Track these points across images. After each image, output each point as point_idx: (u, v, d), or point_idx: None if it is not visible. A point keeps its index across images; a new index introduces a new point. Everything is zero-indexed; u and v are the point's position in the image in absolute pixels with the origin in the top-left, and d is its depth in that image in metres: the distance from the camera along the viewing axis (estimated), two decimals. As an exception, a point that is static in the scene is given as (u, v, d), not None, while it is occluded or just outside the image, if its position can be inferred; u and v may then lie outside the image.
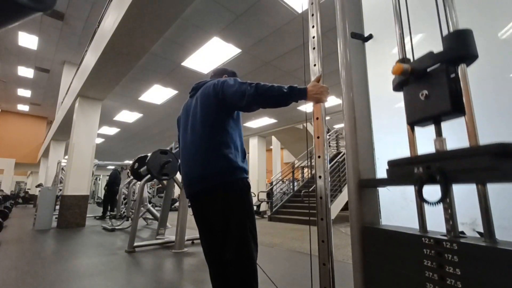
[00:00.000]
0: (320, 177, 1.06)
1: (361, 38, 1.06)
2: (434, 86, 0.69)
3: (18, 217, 7.95)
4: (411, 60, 0.81)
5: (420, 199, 0.66)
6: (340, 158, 7.12)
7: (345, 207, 6.14)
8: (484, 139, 0.64)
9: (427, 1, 0.81)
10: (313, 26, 1.18)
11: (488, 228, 0.58)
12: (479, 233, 0.70)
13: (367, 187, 0.92)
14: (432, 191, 0.68)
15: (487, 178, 0.56)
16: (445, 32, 0.71)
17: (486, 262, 0.53)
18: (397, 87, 0.80)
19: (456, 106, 0.64)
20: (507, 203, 0.73)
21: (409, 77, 0.75)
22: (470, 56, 0.65)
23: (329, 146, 9.50)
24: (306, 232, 4.89)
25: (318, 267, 1.01)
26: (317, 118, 1.12)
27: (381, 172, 0.99)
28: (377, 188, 0.96)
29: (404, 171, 0.71)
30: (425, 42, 0.98)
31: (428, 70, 0.70)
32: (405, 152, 0.80)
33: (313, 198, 1.09)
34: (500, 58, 0.85)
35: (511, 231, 0.66)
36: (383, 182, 0.84)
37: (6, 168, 14.46)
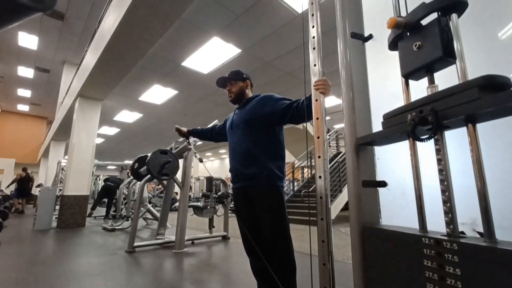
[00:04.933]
0: (320, 177, 1.06)
1: (361, 38, 1.06)
2: (427, 36, 0.71)
3: (18, 217, 7.95)
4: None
5: (413, 138, 0.69)
6: (340, 158, 7.12)
7: (345, 207, 6.14)
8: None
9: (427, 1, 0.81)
10: (313, 26, 1.18)
11: (488, 228, 0.58)
12: (479, 233, 0.70)
13: (364, 144, 0.92)
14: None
15: (475, 110, 0.56)
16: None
17: (486, 262, 0.53)
18: (392, 44, 0.82)
19: (447, 52, 0.66)
20: (507, 203, 0.73)
21: (404, 32, 0.78)
22: (460, 4, 0.67)
23: (329, 146, 9.50)
24: (306, 232, 4.89)
25: (318, 267, 1.01)
26: (317, 118, 1.12)
27: (381, 172, 0.99)
28: (377, 188, 0.96)
29: (399, 120, 0.73)
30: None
31: (422, 23, 0.73)
32: (404, 152, 0.80)
33: (313, 198, 1.09)
34: (500, 58, 0.85)
35: (511, 231, 0.66)
36: (380, 135, 0.84)
37: (6, 168, 14.46)
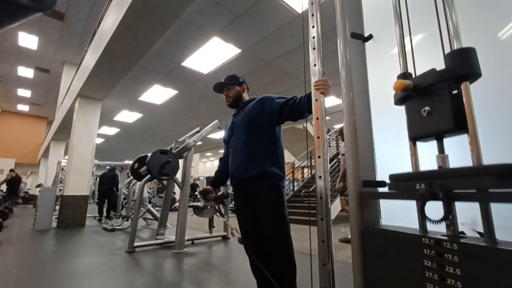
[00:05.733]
0: (320, 177, 1.06)
1: (361, 38, 1.06)
2: (436, 102, 0.68)
3: (18, 217, 7.95)
4: (413, 74, 0.81)
5: (422, 217, 0.66)
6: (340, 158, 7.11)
7: (345, 207, 6.12)
8: (485, 139, 0.64)
9: (427, 1, 0.81)
10: (313, 26, 1.18)
11: (488, 228, 0.58)
12: (479, 233, 0.70)
13: (369, 198, 0.91)
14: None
15: (490, 199, 0.55)
16: (446, 43, 0.70)
17: (486, 262, 0.53)
18: (399, 102, 0.80)
19: (458, 124, 0.64)
20: (507, 204, 0.73)
21: (411, 93, 0.74)
22: (473, 75, 0.65)
23: (329, 146, 9.50)
24: (306, 232, 4.89)
25: (318, 267, 1.01)
26: (317, 118, 1.12)
27: (381, 172, 0.99)
28: (377, 188, 0.95)
29: (406, 187, 0.71)
30: (425, 42, 0.98)
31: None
32: (404, 152, 0.80)
33: (313, 198, 1.09)
34: (500, 58, 0.85)
35: (511, 231, 0.66)
36: (385, 196, 0.83)
37: (6, 168, 14.45)
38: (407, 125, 0.77)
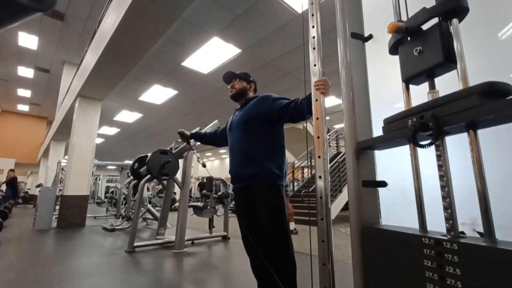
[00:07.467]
0: (320, 177, 1.06)
1: (361, 38, 1.06)
2: (427, 41, 0.71)
3: (18, 217, 7.95)
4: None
5: (414, 144, 0.68)
6: (340, 158, 7.11)
7: (345, 207, 6.14)
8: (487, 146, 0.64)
9: (427, 1, 0.81)
10: (313, 26, 1.18)
11: (488, 228, 0.58)
12: (479, 233, 0.70)
13: (364, 148, 0.92)
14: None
15: (476, 117, 0.56)
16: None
17: (486, 262, 0.53)
18: (393, 49, 0.82)
19: (448, 57, 0.66)
20: (507, 204, 0.73)
21: (404, 37, 0.78)
22: (461, 9, 0.67)
23: (329, 146, 9.50)
24: (306, 232, 4.89)
25: (318, 267, 1.01)
26: (317, 118, 1.12)
27: (381, 172, 0.99)
28: (377, 188, 0.96)
29: (399, 125, 0.73)
30: None
31: (423, 28, 0.73)
32: (405, 152, 0.80)
33: (313, 198, 1.09)
34: (500, 58, 0.85)
35: (511, 231, 0.66)
36: (380, 140, 0.84)
37: (6, 168, 14.45)
38: (400, 68, 0.79)
